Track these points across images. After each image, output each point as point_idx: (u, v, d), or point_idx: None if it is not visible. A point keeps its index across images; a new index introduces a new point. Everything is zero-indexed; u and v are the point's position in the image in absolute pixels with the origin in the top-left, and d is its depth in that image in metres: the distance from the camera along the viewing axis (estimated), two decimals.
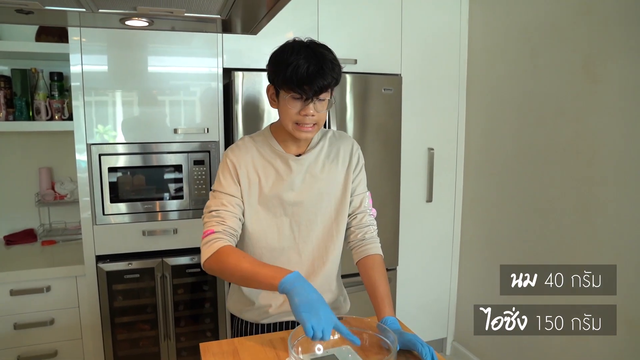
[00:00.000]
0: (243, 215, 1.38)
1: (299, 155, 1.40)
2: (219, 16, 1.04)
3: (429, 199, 2.63)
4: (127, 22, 1.06)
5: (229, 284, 1.57)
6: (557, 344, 2.11)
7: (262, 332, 1.47)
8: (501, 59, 2.42)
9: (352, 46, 2.38)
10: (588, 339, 1.94)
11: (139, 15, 1.02)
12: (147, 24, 1.07)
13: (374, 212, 1.50)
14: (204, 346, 1.32)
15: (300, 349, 1.16)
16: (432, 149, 2.60)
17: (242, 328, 1.50)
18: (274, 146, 1.39)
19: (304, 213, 1.39)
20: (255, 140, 1.42)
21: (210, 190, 1.40)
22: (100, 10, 0.98)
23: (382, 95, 2.36)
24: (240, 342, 1.34)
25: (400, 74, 2.47)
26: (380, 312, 1.33)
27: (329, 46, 1.32)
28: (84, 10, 0.96)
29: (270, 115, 2.23)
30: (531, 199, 2.27)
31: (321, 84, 1.23)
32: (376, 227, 1.49)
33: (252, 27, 1.19)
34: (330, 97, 1.31)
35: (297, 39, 1.29)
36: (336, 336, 1.23)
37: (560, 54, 2.07)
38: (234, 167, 1.36)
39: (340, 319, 1.25)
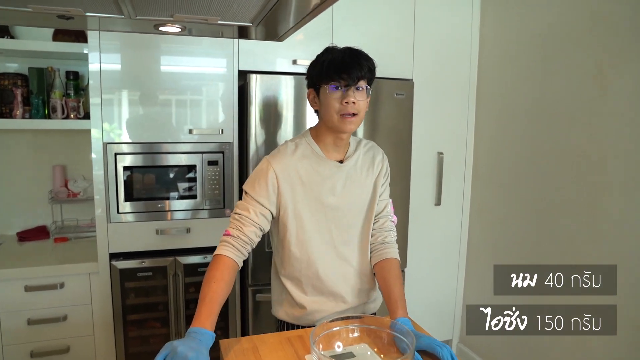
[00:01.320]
0: (271, 221, 1.44)
1: (341, 161, 1.47)
2: (251, 24, 1.10)
3: (438, 203, 2.68)
4: (161, 29, 1.11)
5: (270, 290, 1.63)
6: (562, 344, 2.16)
7: None
8: (512, 64, 2.47)
9: (365, 50, 2.42)
10: (591, 339, 1.98)
11: (174, 22, 1.07)
12: (180, 29, 1.12)
13: (395, 218, 1.57)
14: (224, 343, 1.36)
15: (321, 345, 1.21)
16: (442, 153, 2.65)
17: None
18: (317, 151, 1.45)
19: (343, 217, 1.46)
20: (298, 144, 1.46)
21: (242, 186, 1.46)
22: (137, 17, 1.03)
23: (395, 99, 2.42)
24: (260, 339, 1.39)
25: (412, 79, 2.53)
26: (393, 314, 1.39)
27: None
28: (122, 16, 1.01)
29: (286, 118, 2.27)
30: (539, 204, 2.32)
31: (359, 72, 1.34)
32: (396, 234, 1.56)
33: (280, 34, 1.24)
34: (368, 89, 1.39)
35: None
36: (356, 334, 1.29)
37: (571, 60, 2.12)
38: (275, 177, 1.39)
39: (359, 318, 1.31)
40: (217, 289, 1.29)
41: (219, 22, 1.05)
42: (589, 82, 2.03)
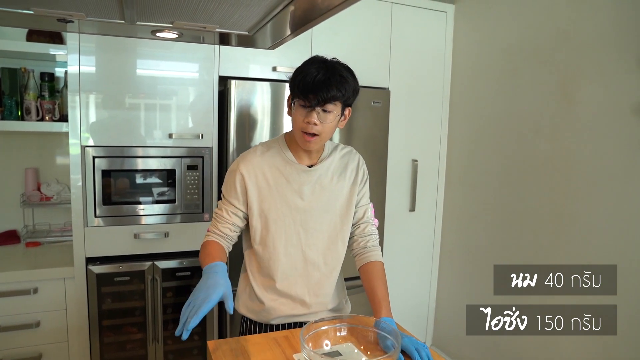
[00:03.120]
0: (246, 218, 1.50)
1: (311, 166, 1.50)
2: (247, 33, 1.14)
3: (412, 209, 2.78)
4: (158, 34, 1.14)
5: (237, 284, 1.66)
6: (535, 346, 2.27)
7: (271, 331, 1.55)
8: (483, 76, 2.60)
9: (343, 59, 2.49)
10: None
11: (172, 29, 1.11)
12: (177, 36, 1.16)
13: (376, 222, 1.62)
14: (212, 344, 1.39)
15: (310, 344, 1.25)
16: (416, 161, 2.75)
17: (251, 328, 1.57)
18: (287, 155, 1.48)
19: (311, 221, 1.49)
20: (268, 148, 1.50)
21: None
22: (137, 23, 1.06)
23: (372, 108, 2.50)
24: (246, 340, 1.42)
25: (388, 88, 2.62)
26: (377, 314, 1.44)
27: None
28: (123, 22, 1.04)
29: (265, 124, 2.32)
30: (509, 210, 2.44)
31: (325, 95, 1.32)
32: (378, 237, 1.61)
33: (273, 43, 1.29)
34: (342, 112, 1.40)
35: (320, 56, 1.41)
36: (342, 333, 1.34)
37: (538, 73, 2.26)
38: (242, 178, 1.45)
39: (346, 317, 1.36)
40: (213, 251, 1.40)
41: (217, 30, 1.10)
42: (556, 96, 2.17)
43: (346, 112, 1.44)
